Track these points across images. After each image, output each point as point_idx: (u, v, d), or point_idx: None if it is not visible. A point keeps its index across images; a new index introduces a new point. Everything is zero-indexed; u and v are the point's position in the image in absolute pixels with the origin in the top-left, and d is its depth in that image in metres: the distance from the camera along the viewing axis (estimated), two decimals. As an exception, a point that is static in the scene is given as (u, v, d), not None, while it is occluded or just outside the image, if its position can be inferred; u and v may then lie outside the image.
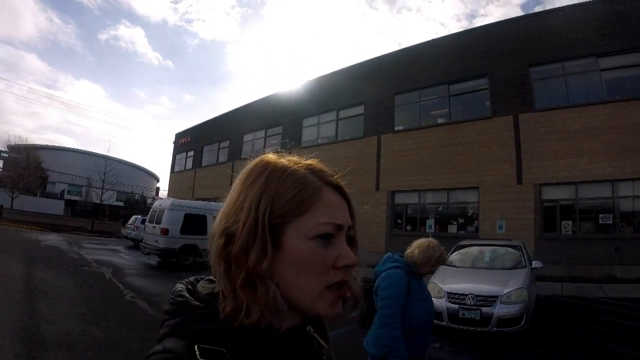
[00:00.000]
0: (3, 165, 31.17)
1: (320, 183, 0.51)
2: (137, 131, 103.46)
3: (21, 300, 5.53)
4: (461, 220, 12.16)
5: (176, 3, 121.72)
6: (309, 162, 0.54)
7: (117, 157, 37.36)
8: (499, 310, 4.70)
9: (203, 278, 0.56)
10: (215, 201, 21.26)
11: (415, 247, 2.10)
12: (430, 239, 2.14)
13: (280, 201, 0.48)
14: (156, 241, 10.93)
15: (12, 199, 27.97)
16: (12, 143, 31.45)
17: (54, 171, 34.37)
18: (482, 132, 11.94)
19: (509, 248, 6.60)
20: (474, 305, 4.78)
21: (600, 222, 10.25)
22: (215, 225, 0.52)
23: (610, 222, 10.14)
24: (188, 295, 0.49)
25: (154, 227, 11.23)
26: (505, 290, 4.86)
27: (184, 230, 10.97)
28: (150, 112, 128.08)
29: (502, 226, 10.48)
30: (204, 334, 0.45)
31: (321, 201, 0.50)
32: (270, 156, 0.53)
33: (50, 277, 7.62)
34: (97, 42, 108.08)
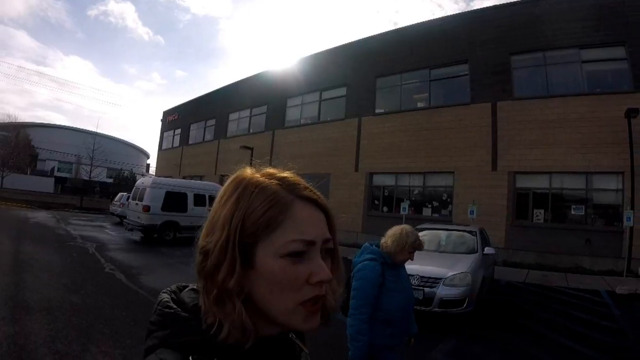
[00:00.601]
0: None
1: (292, 197, 0.51)
2: (128, 107, 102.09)
3: (9, 272, 6.01)
4: (436, 204, 12.60)
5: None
6: (283, 175, 0.53)
7: (107, 134, 37.41)
8: (441, 291, 5.00)
9: (186, 287, 0.56)
10: (201, 178, 21.69)
11: (389, 237, 2.10)
12: (403, 225, 2.15)
13: (250, 219, 0.49)
14: (138, 218, 11.36)
15: (2, 177, 28.22)
16: (2, 121, 31.36)
17: (44, 149, 34.35)
18: (461, 118, 12.21)
19: (465, 233, 6.86)
20: (419, 285, 5.05)
21: (572, 212, 10.58)
22: (199, 240, 0.53)
23: (582, 213, 10.45)
24: (176, 307, 0.50)
25: (136, 204, 11.63)
26: (450, 274, 5.15)
27: (165, 207, 11.39)
28: (141, 88, 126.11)
29: (473, 211, 10.86)
30: (196, 345, 0.46)
31: (291, 217, 0.50)
32: (247, 171, 0.54)
33: (37, 251, 8.08)
34: (87, 17, 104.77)
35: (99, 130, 34.52)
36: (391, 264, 2.08)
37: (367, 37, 15.56)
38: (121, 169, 37.49)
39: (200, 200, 12.26)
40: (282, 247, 0.48)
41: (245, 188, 0.51)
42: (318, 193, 0.54)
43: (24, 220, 14.45)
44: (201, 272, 0.50)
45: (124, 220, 12.85)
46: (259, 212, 0.49)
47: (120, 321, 4.30)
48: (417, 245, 2.10)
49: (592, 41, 10.60)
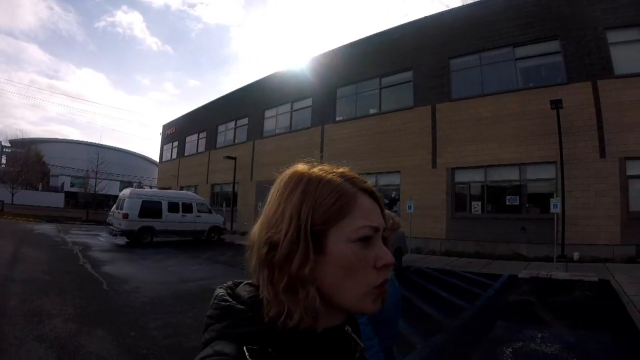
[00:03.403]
0: (6, 161, 33.07)
1: (355, 190, 0.56)
2: (142, 118, 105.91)
3: (5, 263, 8.30)
4: (386, 202, 14.23)
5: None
6: (341, 170, 0.58)
7: (119, 147, 39.44)
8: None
9: (241, 282, 0.60)
10: (195, 188, 23.98)
11: None
12: None
13: (321, 209, 0.52)
14: (120, 224, 13.33)
15: (13, 194, 29.95)
16: (14, 137, 33.43)
17: (54, 165, 36.19)
18: (405, 121, 13.74)
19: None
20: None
21: (508, 203, 11.56)
22: (253, 234, 0.57)
23: (517, 203, 11.42)
24: (232, 300, 0.53)
25: (118, 212, 13.66)
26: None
27: (142, 214, 13.44)
28: (154, 98, 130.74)
29: (411, 206, 12.26)
30: (251, 336, 0.49)
31: (358, 206, 0.54)
32: (303, 166, 0.58)
33: (31, 251, 10.46)
34: (98, 29, 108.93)
35: (112, 144, 36.75)
36: None
37: (329, 51, 17.38)
38: (129, 182, 39.75)
39: (174, 207, 14.39)
40: (354, 232, 0.53)
41: (310, 180, 0.55)
42: (373, 186, 0.60)
43: (29, 231, 16.73)
44: (267, 263, 0.52)
45: (110, 227, 14.74)
46: (330, 202, 0.53)
47: (71, 288, 6.39)
48: (392, 226, 1.97)
49: (526, 38, 11.63)
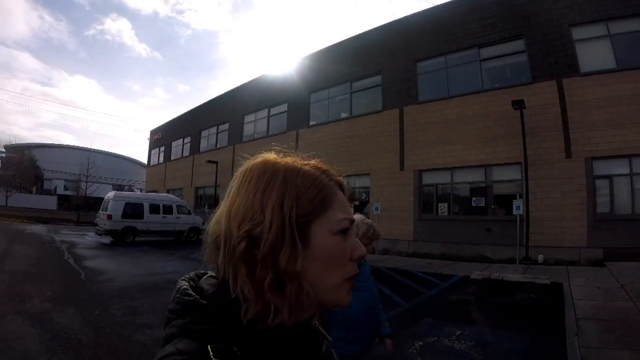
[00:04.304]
0: (0, 166, 33.87)
1: (332, 182, 0.56)
2: (133, 123, 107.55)
3: (1, 254, 9.37)
4: (357, 204, 14.10)
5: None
6: (314, 162, 0.57)
7: (112, 151, 40.26)
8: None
9: (205, 274, 0.57)
10: (181, 191, 24.23)
11: None
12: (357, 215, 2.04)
13: (304, 200, 0.51)
14: (105, 224, 14.06)
15: (7, 197, 30.87)
16: (8, 143, 34.43)
17: (47, 169, 37.27)
18: (374, 125, 13.72)
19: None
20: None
21: (474, 204, 11.50)
22: (215, 228, 0.53)
23: (483, 204, 11.34)
24: (195, 294, 0.51)
25: (103, 213, 14.39)
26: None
27: (125, 215, 14.13)
28: (144, 104, 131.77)
29: (378, 207, 12.29)
30: (215, 334, 0.47)
31: (337, 199, 0.54)
32: (274, 156, 0.56)
33: (22, 248, 11.24)
34: (88, 37, 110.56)
35: (105, 148, 37.55)
36: None
37: (304, 57, 17.43)
38: (120, 185, 40.49)
39: (155, 209, 15.00)
40: (336, 224, 0.52)
41: (288, 170, 0.53)
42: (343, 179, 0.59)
43: (20, 231, 17.29)
44: (244, 259, 0.48)
45: (96, 226, 15.53)
46: (313, 193, 0.51)
47: (52, 278, 7.26)
48: (372, 235, 2.01)
49: (491, 39, 11.58)
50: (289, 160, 0.56)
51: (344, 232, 0.53)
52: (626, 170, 9.66)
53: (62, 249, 11.49)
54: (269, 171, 0.53)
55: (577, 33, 10.45)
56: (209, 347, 0.45)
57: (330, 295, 0.52)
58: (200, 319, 0.48)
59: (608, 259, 9.19)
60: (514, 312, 5.75)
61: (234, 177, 0.56)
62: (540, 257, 9.87)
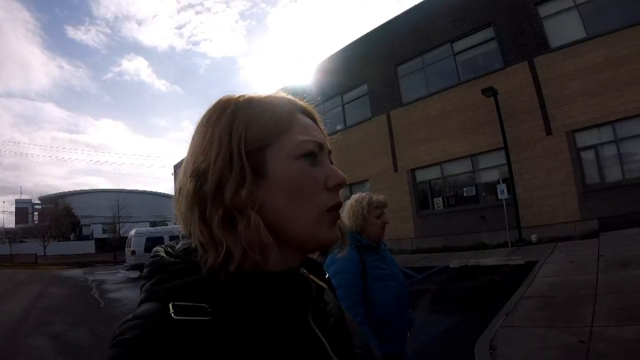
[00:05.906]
0: (38, 217, 35.99)
1: (293, 107, 0.51)
2: (164, 160, 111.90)
3: (32, 298, 10.36)
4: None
5: (180, 28, 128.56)
6: (276, 93, 0.53)
7: (145, 189, 41.61)
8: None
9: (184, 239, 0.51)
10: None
11: (344, 216, 1.76)
12: (351, 196, 1.89)
13: (255, 126, 0.47)
14: (130, 260, 15.45)
15: (44, 247, 32.50)
16: (43, 194, 36.92)
17: (82, 215, 39.31)
18: (366, 132, 14.39)
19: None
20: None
21: (465, 195, 11.92)
22: (180, 177, 0.49)
23: (474, 193, 11.74)
24: (164, 254, 0.47)
25: (128, 250, 15.82)
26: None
27: (147, 249, 15.09)
28: (174, 138, 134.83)
29: None
30: (181, 290, 0.42)
31: (296, 121, 0.49)
32: (231, 94, 0.52)
33: (55, 290, 12.54)
34: (108, 80, 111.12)
35: (139, 187, 39.07)
36: (368, 244, 1.81)
37: (299, 76, 18.62)
38: (155, 222, 42.10)
39: (174, 239, 16.30)
40: (297, 147, 0.47)
41: (240, 102, 0.49)
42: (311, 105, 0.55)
43: (57, 276, 18.82)
44: (196, 199, 0.45)
45: (123, 263, 17.00)
46: (264, 117, 0.47)
47: (76, 308, 8.60)
48: (378, 204, 1.85)
49: (462, 31, 12.00)
50: (246, 95, 0.51)
51: (310, 156, 0.48)
52: (611, 137, 9.68)
53: (91, 286, 12.83)
54: (221, 105, 0.50)
55: (544, 10, 10.59)
56: (170, 305, 0.40)
57: (305, 231, 0.47)
58: (165, 277, 0.44)
59: (604, 229, 9.10)
60: (466, 296, 5.97)
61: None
62: (534, 237, 9.99)
